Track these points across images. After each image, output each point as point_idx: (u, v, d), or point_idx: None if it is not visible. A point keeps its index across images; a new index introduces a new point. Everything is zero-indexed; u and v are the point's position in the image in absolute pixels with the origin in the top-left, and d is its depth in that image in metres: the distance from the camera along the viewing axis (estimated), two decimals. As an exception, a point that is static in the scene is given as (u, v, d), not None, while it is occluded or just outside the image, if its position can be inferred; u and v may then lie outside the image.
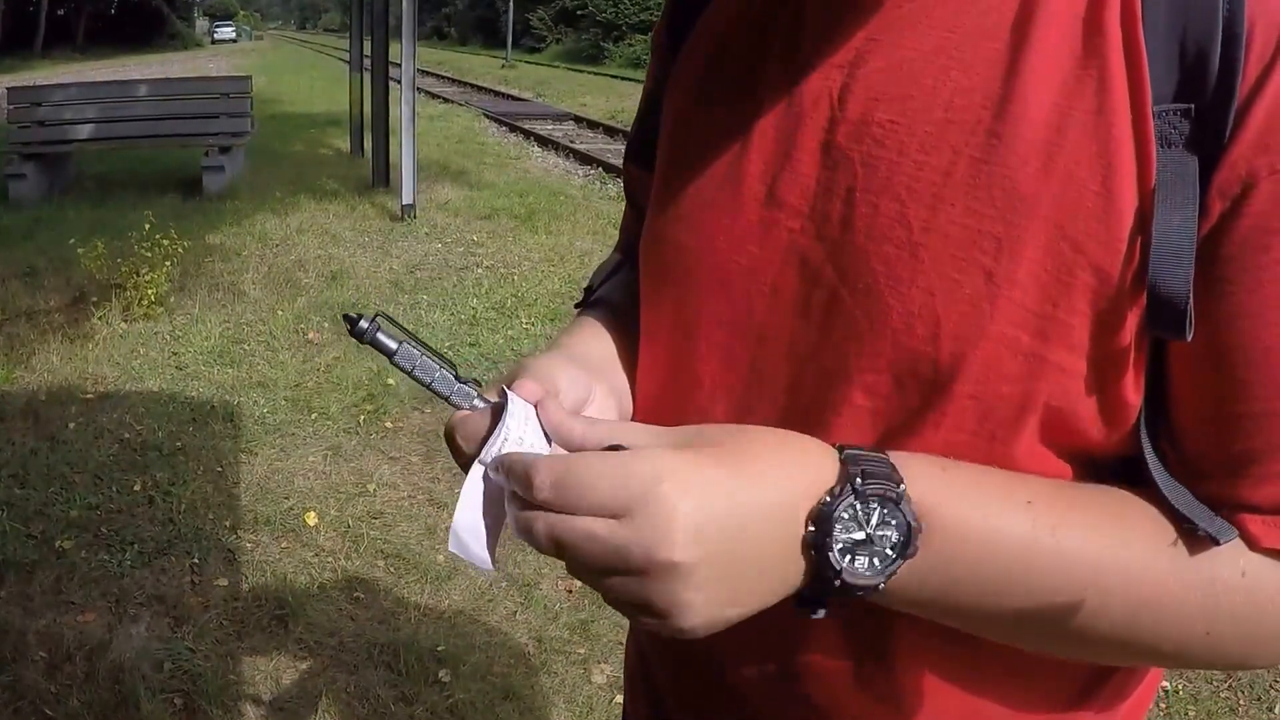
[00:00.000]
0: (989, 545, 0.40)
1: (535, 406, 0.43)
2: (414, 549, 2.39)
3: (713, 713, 0.56)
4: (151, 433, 2.90)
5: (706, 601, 0.37)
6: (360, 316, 0.43)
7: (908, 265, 0.42)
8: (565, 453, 0.41)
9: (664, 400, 0.53)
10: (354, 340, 0.43)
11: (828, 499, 0.38)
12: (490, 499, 0.42)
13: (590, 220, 6.25)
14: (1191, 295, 0.38)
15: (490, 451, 0.41)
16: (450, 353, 3.66)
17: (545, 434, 0.42)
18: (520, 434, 0.41)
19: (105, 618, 2.04)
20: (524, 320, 4.14)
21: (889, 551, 0.38)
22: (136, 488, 2.58)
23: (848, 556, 0.38)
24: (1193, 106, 0.38)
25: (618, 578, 0.37)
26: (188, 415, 3.05)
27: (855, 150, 0.44)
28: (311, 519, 2.50)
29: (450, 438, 0.44)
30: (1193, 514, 0.40)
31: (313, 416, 3.09)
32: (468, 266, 5.00)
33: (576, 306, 0.63)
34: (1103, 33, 0.39)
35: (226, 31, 60.73)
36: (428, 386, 0.44)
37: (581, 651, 2.05)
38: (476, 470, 0.42)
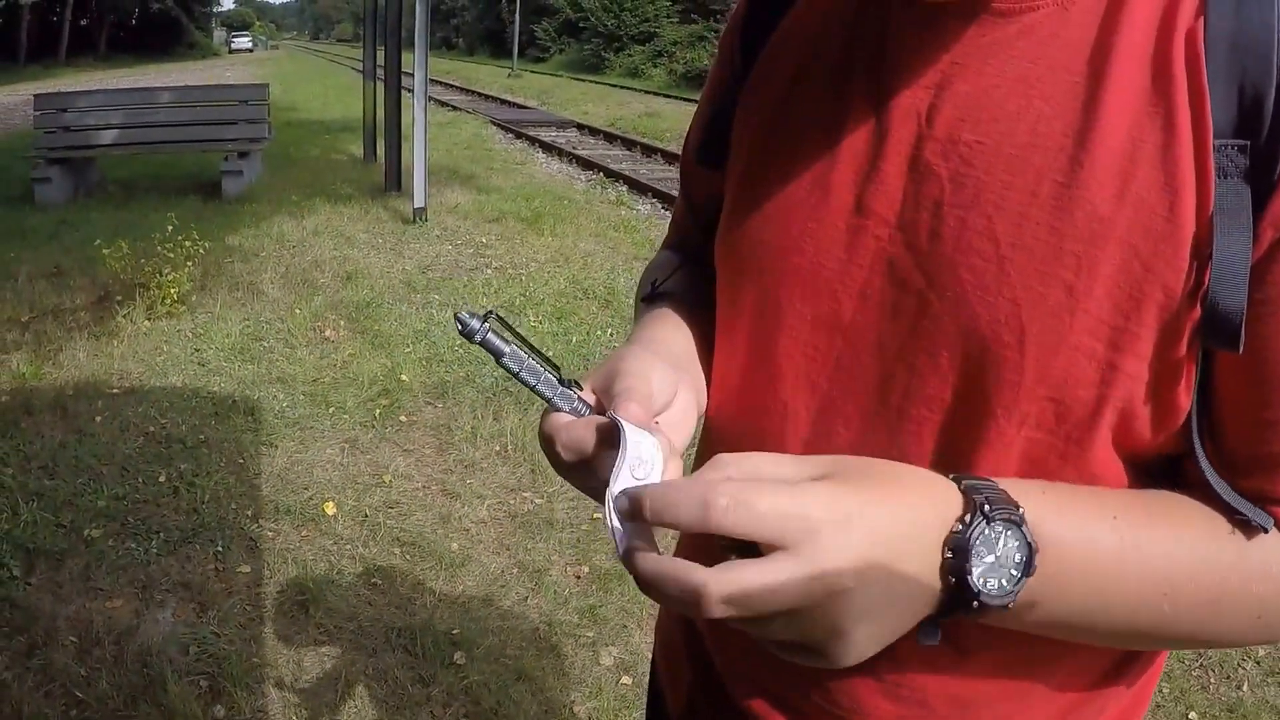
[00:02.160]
0: (1087, 561, 0.43)
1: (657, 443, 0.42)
2: (429, 537, 2.44)
3: (764, 678, 0.58)
4: (175, 426, 2.96)
5: (866, 634, 0.39)
6: (472, 315, 0.43)
7: (995, 276, 0.45)
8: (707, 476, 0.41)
9: (744, 391, 0.56)
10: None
11: (960, 526, 0.40)
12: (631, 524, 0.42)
13: (592, 223, 6.32)
14: (1245, 312, 0.42)
15: (617, 483, 0.41)
16: (461, 351, 3.72)
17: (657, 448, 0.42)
18: (638, 455, 0.42)
19: (133, 603, 2.10)
20: (532, 319, 4.19)
21: (1014, 571, 0.41)
22: (161, 479, 2.64)
23: (984, 580, 0.40)
24: (1249, 143, 0.41)
25: (784, 618, 0.38)
26: (210, 409, 3.12)
27: (943, 166, 0.47)
28: (330, 509, 2.55)
29: (549, 442, 0.46)
30: (1238, 505, 0.44)
31: (330, 411, 3.16)
32: (477, 267, 5.08)
33: (643, 300, 0.65)
34: (1170, 74, 0.43)
35: (243, 41, 61.37)
36: (532, 388, 0.45)
37: (590, 635, 2.10)
38: (610, 502, 0.41)
